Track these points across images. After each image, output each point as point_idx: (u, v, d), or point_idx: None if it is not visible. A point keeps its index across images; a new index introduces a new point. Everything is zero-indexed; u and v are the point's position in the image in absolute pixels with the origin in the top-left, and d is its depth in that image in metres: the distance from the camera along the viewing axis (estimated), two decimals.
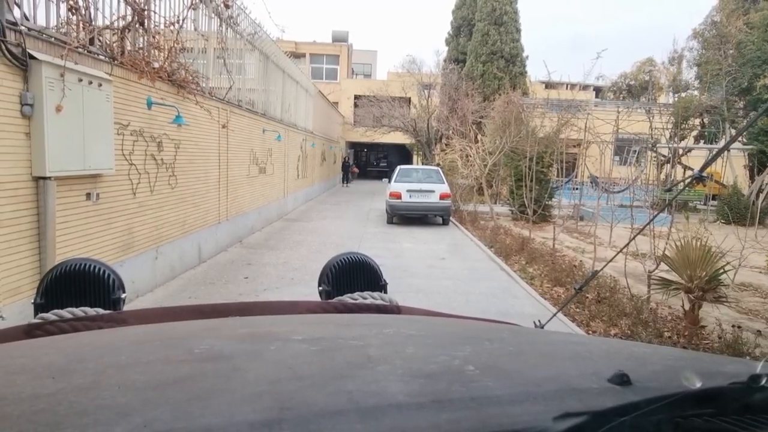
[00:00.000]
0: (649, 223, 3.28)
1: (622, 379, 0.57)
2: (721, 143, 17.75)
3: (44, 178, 4.11)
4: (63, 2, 4.42)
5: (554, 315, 2.03)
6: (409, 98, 26.97)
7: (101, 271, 1.24)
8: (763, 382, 0.53)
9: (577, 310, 6.11)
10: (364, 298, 1.26)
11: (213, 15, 7.32)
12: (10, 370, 0.66)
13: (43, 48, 4.09)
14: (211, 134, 8.23)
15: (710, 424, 0.50)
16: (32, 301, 1.21)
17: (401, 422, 0.48)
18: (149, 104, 5.95)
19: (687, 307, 4.85)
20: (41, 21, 4.24)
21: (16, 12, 3.83)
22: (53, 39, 4.20)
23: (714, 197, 18.21)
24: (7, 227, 3.83)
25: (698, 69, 17.23)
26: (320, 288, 1.40)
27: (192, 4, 6.12)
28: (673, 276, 5.16)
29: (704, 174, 1.99)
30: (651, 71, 19.57)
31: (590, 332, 5.45)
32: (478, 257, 9.50)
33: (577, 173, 14.44)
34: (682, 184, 13.59)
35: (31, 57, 3.91)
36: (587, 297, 6.42)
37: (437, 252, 9.81)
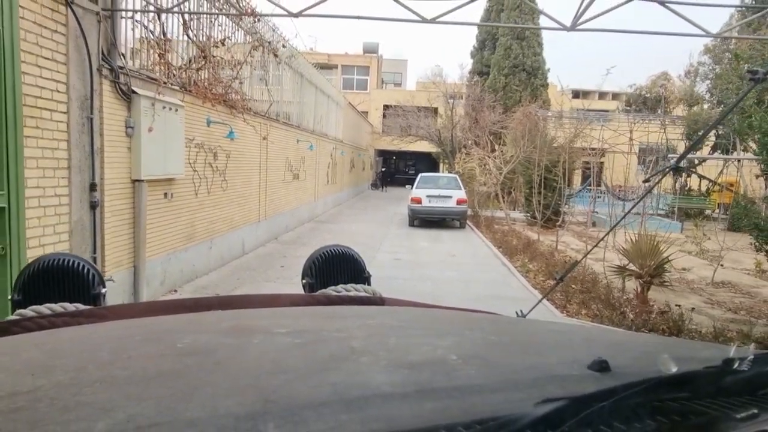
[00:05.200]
0: (621, 220, 4.32)
1: (602, 366, 0.58)
2: (734, 154, 18.39)
3: (139, 181, 5.54)
4: (152, 49, 5.85)
5: (536, 305, 2.18)
6: (436, 108, 28.23)
7: (81, 266, 1.23)
8: (736, 365, 0.54)
9: (559, 296, 7.25)
10: (348, 291, 1.26)
11: (267, 56, 8.77)
12: None
13: (140, 84, 5.52)
14: (254, 145, 9.65)
15: (686, 407, 0.51)
16: (9, 297, 1.19)
17: (385, 412, 0.49)
18: (208, 123, 7.39)
19: (639, 290, 5.96)
20: (128, 56, 5.68)
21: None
22: (146, 77, 5.64)
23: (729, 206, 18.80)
24: (116, 216, 5.26)
25: (710, 83, 18.00)
26: (303, 281, 1.40)
27: (252, 48, 7.57)
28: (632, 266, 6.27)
29: (680, 166, 2.73)
30: (664, 85, 20.37)
31: (566, 313, 6.60)
32: (485, 255, 10.69)
33: (592, 181, 15.37)
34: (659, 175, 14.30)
35: (133, 92, 5.34)
36: (572, 287, 7.56)
37: (450, 250, 11.03)
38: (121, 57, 5.21)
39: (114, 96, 5.14)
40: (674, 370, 0.54)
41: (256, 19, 7.51)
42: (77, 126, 4.60)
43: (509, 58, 24.62)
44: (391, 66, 41.30)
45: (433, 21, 4.93)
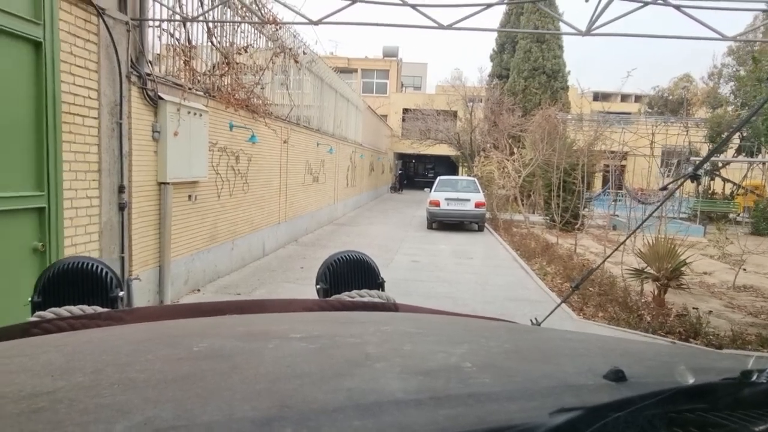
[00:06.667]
0: (638, 228, 4.38)
1: (618, 375, 0.57)
2: (759, 157, 18.10)
3: (165, 184, 5.74)
4: (177, 57, 6.06)
5: (551, 313, 2.14)
6: (455, 112, 28.27)
7: (99, 269, 1.24)
8: (755, 377, 0.53)
9: (576, 299, 7.27)
10: (362, 296, 1.27)
11: (288, 62, 8.97)
12: (9, 369, 0.67)
13: (166, 90, 5.73)
14: (275, 148, 9.84)
15: (703, 418, 0.50)
16: (29, 299, 1.19)
17: (399, 419, 0.49)
18: (231, 127, 7.59)
19: (656, 293, 5.96)
20: (154, 62, 5.88)
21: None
22: (172, 83, 5.85)
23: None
24: (143, 217, 5.46)
25: (734, 85, 17.75)
26: (318, 286, 1.41)
27: (273, 55, 7.77)
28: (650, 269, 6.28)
29: (698, 173, 2.59)
30: (686, 87, 20.12)
31: (582, 315, 6.62)
32: (502, 257, 10.72)
33: (612, 184, 15.27)
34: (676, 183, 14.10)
35: (160, 97, 5.54)
36: (589, 290, 7.57)
37: (468, 252, 11.08)
38: (149, 64, 5.42)
39: (142, 102, 5.35)
40: (691, 381, 0.54)
41: (278, 27, 7.70)
42: (107, 131, 4.81)
43: (529, 61, 24.57)
44: (411, 69, 41.43)
45: (449, 27, 5.04)
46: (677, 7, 4.66)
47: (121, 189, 5.05)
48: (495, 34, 28.67)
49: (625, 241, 3.11)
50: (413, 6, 4.89)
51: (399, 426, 0.48)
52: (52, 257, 3.39)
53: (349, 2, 4.84)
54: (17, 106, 3.13)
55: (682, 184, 14.05)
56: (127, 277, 5.23)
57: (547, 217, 15.87)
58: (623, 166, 21.95)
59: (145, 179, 5.51)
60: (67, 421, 0.48)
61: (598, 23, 4.89)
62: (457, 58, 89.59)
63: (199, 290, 6.91)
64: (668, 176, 18.80)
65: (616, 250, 3.17)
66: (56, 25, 3.30)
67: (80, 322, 0.98)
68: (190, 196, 6.50)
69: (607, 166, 17.00)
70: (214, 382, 0.59)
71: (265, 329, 0.89)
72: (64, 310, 1.08)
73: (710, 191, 19.72)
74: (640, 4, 4.72)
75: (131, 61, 5.15)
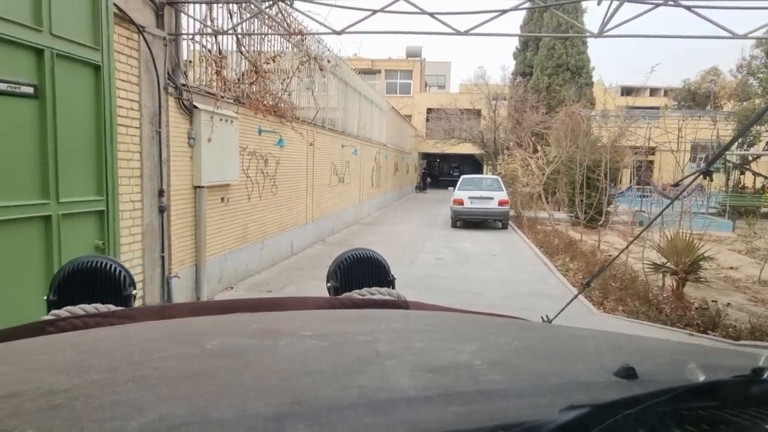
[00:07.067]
0: (650, 224, 4.52)
1: (629, 373, 0.57)
2: None
3: (200, 187, 6.11)
4: (209, 67, 6.43)
5: (561, 310, 2.17)
6: (479, 110, 28.32)
7: (112, 268, 1.26)
8: (766, 375, 0.53)
9: (597, 294, 7.40)
10: (372, 294, 1.27)
11: (313, 68, 9.31)
12: (26, 366, 0.69)
13: (199, 99, 6.09)
14: (301, 151, 10.19)
15: (714, 416, 0.50)
16: (44, 297, 1.22)
17: (410, 416, 0.49)
18: (260, 132, 7.95)
19: (674, 286, 6.08)
20: (187, 72, 6.26)
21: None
22: (205, 92, 6.21)
23: None
24: (180, 219, 5.84)
25: (762, 77, 17.47)
26: (328, 284, 1.41)
27: (299, 64, 8.12)
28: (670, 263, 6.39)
29: (711, 169, 2.60)
30: (714, 80, 19.82)
31: (603, 309, 6.76)
32: (525, 254, 10.87)
33: (635, 180, 15.19)
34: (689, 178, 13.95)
35: (194, 106, 5.91)
36: (611, 284, 7.69)
37: (491, 250, 11.26)
38: (184, 75, 5.79)
39: (178, 111, 5.73)
40: (702, 378, 0.53)
41: (303, 37, 8.04)
42: (148, 139, 5.18)
43: (552, 58, 24.49)
44: (435, 69, 41.55)
45: (466, 33, 5.27)
46: (688, 8, 4.80)
47: (160, 193, 5.43)
48: (518, 32, 28.62)
49: (636, 238, 3.26)
50: (431, 14, 5.14)
51: (409, 423, 0.48)
52: (110, 254, 3.80)
53: (370, 13, 5.11)
54: (84, 123, 3.59)
55: (695, 180, 13.94)
56: (168, 274, 5.60)
57: (572, 214, 15.89)
58: (651, 162, 21.74)
59: (182, 183, 5.89)
60: (84, 417, 0.49)
61: (611, 24, 5.06)
62: (481, 55, 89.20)
63: (232, 288, 7.27)
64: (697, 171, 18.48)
65: (626, 248, 3.31)
66: (111, 49, 3.69)
67: (94, 321, 0.99)
68: (222, 199, 6.87)
69: (636, 161, 16.90)
70: (226, 379, 0.60)
71: (277, 327, 0.90)
72: (78, 309, 1.09)
73: (740, 185, 19.40)
74: (651, 6, 4.88)
75: (168, 73, 5.52)
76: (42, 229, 3.35)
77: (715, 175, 19.79)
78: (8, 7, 3.08)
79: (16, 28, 3.13)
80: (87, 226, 3.59)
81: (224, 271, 7.08)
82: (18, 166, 3.19)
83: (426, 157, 39.96)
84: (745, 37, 4.84)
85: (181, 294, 5.88)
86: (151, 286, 5.37)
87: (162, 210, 5.47)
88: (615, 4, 4.83)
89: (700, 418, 0.50)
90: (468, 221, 15.06)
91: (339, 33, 5.45)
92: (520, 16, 28.59)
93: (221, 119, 6.43)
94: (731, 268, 10.02)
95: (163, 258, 5.52)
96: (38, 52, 3.26)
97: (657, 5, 4.84)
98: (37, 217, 3.31)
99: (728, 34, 4.86)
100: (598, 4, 4.98)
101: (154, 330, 0.91)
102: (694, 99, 21.25)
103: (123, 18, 4.66)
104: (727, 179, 18.43)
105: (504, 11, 5.03)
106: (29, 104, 3.14)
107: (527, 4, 5.44)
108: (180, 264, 5.94)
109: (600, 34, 5.03)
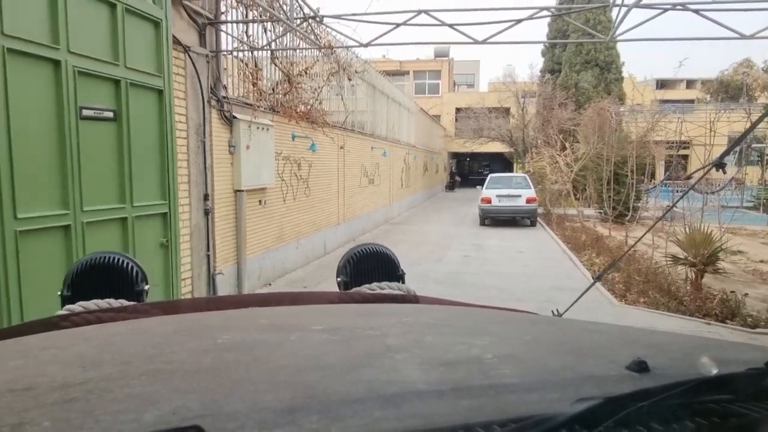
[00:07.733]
0: (662, 218, 4.75)
1: (641, 366, 0.57)
2: None
3: (240, 191, 6.63)
4: (247, 80, 6.95)
5: (572, 305, 2.16)
6: (508, 108, 28.39)
7: (125, 264, 1.27)
8: None
9: (620, 286, 7.62)
10: (382, 289, 1.27)
11: (342, 75, 9.81)
12: (42, 360, 0.69)
13: (239, 110, 6.61)
14: (332, 154, 10.67)
15: (727, 409, 0.50)
16: (59, 293, 1.24)
17: (421, 409, 0.50)
18: (293, 137, 8.45)
19: (693, 278, 6.28)
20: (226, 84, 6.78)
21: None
22: (243, 103, 6.73)
23: None
24: (223, 220, 6.37)
25: None
26: (338, 279, 1.42)
27: (329, 75, 8.62)
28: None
29: (723, 162, 2.39)
30: (746, 72, 19.48)
31: (624, 301, 6.99)
32: (552, 251, 11.10)
33: (665, 174, 15.11)
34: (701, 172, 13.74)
35: (234, 117, 6.43)
36: (635, 278, 7.90)
37: (518, 247, 11.52)
38: (224, 88, 6.31)
39: (220, 122, 6.25)
40: (715, 371, 0.53)
41: (332, 50, 8.52)
42: (194, 148, 5.71)
43: (581, 54, 24.44)
44: (464, 68, 41.57)
45: (484, 42, 5.62)
46: (696, 11, 5.04)
47: (205, 197, 5.95)
48: (546, 30, 28.59)
49: (644, 235, 3.50)
50: (451, 26, 5.51)
51: (420, 416, 0.48)
52: (173, 251, 4.36)
53: (394, 26, 5.51)
54: (150, 138, 4.23)
55: (707, 173, 13.80)
56: (213, 271, 6.13)
57: (600, 211, 15.93)
58: (684, 157, 21.46)
59: (224, 188, 6.41)
60: (99, 410, 0.49)
61: (621, 29, 5.33)
62: (510, 53, 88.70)
63: (270, 284, 7.78)
64: (734, 163, 18.32)
65: (637, 242, 3.52)
66: (171, 74, 4.25)
67: (108, 315, 1.00)
68: (260, 201, 7.38)
69: (670, 156, 16.77)
70: (238, 373, 0.60)
71: (288, 321, 0.91)
72: (92, 304, 1.10)
73: None
74: (660, 11, 5.14)
75: (210, 87, 6.04)
76: (120, 229, 3.96)
77: (750, 169, 19.46)
78: (94, 47, 3.67)
79: (101, 64, 3.73)
80: (154, 226, 4.20)
81: (263, 268, 7.59)
82: (103, 177, 3.79)
83: (455, 156, 40.07)
84: (752, 37, 5.04)
85: (225, 290, 6.40)
86: (199, 282, 5.89)
87: (207, 212, 5.99)
88: (624, 9, 5.11)
89: (713, 411, 0.49)
90: (496, 219, 15.30)
91: (365, 45, 5.88)
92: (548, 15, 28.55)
93: (258, 127, 6.93)
94: (762, 261, 10.03)
95: (208, 256, 6.04)
96: (116, 83, 3.87)
97: (665, 10, 5.10)
98: (117, 219, 3.92)
99: (736, 35, 5.08)
100: (609, 10, 5.26)
101: (167, 325, 0.93)
102: (727, 91, 20.91)
103: (172, 41, 5.19)
104: (763, 173, 18.11)
105: (519, 21, 5.36)
106: (110, 126, 3.76)
107: (543, 13, 5.75)
108: (223, 262, 6.46)
109: (611, 39, 5.31)
